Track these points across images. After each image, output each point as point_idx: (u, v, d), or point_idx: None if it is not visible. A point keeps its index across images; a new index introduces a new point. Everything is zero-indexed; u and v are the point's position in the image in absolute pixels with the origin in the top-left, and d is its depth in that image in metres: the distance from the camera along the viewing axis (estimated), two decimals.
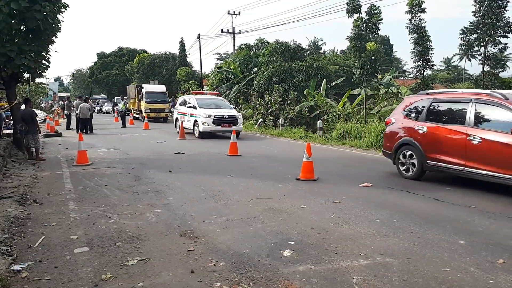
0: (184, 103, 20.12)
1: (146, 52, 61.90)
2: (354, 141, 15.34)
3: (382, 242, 4.86)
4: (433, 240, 4.93)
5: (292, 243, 4.78)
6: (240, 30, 37.37)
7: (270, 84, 24.15)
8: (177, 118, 20.55)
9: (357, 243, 4.80)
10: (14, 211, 5.91)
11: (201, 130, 17.41)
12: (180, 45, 52.41)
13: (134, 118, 31.15)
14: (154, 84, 36.25)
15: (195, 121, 17.95)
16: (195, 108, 18.20)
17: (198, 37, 34.03)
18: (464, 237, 5.02)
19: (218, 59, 59.22)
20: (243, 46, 37.74)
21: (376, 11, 15.46)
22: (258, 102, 24.76)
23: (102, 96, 65.45)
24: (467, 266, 4.17)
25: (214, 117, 17.14)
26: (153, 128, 23.89)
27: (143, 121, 27.20)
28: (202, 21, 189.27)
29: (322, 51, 52.69)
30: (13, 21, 10.43)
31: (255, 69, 28.47)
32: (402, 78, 48.61)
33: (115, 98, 49.55)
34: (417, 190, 7.68)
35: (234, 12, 37.13)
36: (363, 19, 15.64)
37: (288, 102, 22.19)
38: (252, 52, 32.85)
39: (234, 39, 37.48)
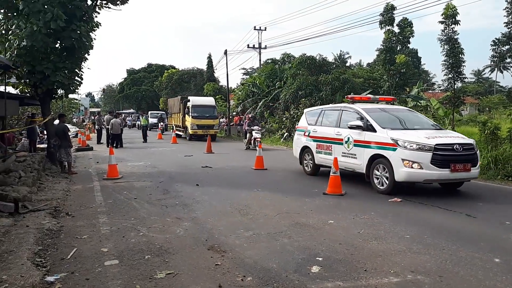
0: (323, 120, 11.00)
1: (174, 68, 63.37)
2: None
3: (413, 259, 4.74)
4: (466, 257, 4.77)
5: (320, 259, 4.72)
6: (266, 45, 37.61)
7: (296, 98, 24.18)
8: (305, 149, 11.54)
9: (387, 259, 4.70)
10: (47, 224, 6.09)
11: (399, 178, 8.24)
12: (207, 60, 53.48)
13: (177, 135, 26.65)
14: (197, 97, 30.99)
15: (375, 158, 8.78)
16: (370, 129, 9.01)
17: (225, 52, 34.43)
18: (499, 255, 4.84)
19: (244, 74, 59.96)
20: (269, 61, 38.03)
21: (407, 25, 15.33)
22: (284, 116, 24.72)
23: (132, 110, 66.98)
24: (503, 286, 4.01)
25: (435, 150, 7.97)
26: (180, 142, 24.24)
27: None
28: (229, 36, 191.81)
29: (347, 64, 52.51)
30: (49, 40, 10.87)
31: (279, 83, 28.55)
32: (431, 91, 47.80)
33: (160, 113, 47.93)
34: (448, 206, 7.46)
35: (260, 27, 37.50)
36: (394, 33, 15.60)
37: None
38: (277, 66, 33.04)
39: (260, 54, 37.80)
